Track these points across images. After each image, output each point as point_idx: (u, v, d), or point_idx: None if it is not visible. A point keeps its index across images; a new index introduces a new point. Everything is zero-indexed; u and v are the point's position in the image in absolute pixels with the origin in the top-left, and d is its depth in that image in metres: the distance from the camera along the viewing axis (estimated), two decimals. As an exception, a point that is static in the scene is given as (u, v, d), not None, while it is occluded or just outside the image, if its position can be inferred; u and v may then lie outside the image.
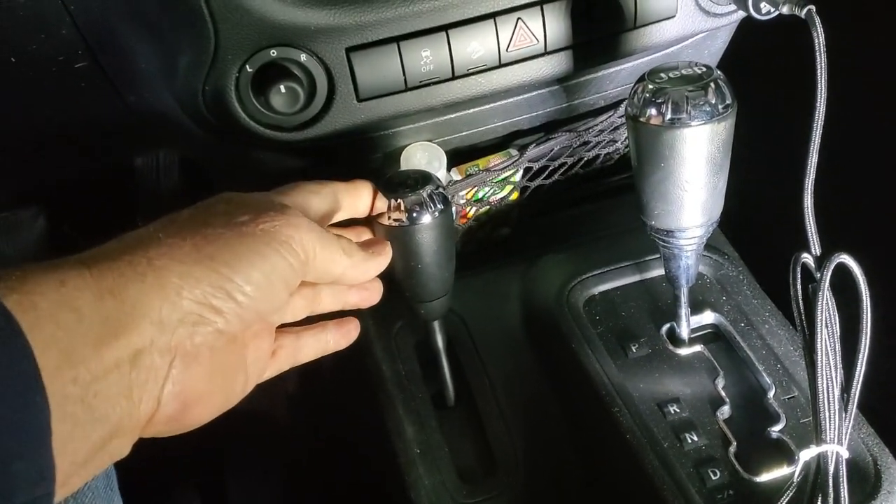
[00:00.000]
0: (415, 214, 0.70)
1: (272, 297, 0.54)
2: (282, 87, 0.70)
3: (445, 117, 0.85)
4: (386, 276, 0.72)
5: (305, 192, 0.63)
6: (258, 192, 0.60)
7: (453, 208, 0.91)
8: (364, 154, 0.86)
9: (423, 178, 0.72)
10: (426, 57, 0.73)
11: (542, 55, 0.77)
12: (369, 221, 0.72)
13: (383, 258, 0.67)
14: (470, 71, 0.75)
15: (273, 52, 0.69)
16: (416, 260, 0.73)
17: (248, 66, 0.69)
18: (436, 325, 0.83)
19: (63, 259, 0.48)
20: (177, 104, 0.76)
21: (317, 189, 0.64)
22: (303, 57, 0.70)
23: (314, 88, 0.72)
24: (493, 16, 0.73)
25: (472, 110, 0.85)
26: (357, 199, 0.69)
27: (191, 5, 0.65)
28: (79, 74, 0.76)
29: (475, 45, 0.74)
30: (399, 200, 0.70)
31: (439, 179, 0.74)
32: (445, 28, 0.72)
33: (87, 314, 0.45)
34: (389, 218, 0.71)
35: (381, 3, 0.69)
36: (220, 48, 0.68)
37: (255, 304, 0.53)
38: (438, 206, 0.71)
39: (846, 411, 0.68)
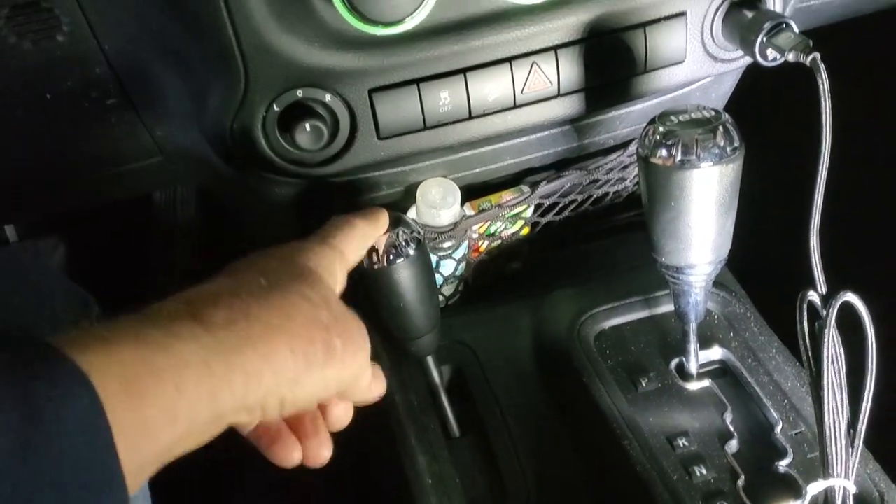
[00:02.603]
0: (390, 257, 0.76)
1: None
2: (307, 126, 0.72)
3: (461, 155, 0.87)
4: (373, 318, 0.76)
5: (347, 239, 0.68)
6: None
7: (466, 243, 0.94)
8: (381, 189, 0.88)
9: (395, 221, 0.77)
10: (444, 98, 0.76)
11: (555, 97, 0.80)
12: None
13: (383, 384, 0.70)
14: (486, 112, 0.78)
15: (299, 93, 0.72)
16: (397, 299, 0.78)
17: (275, 105, 0.72)
18: (429, 360, 0.86)
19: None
20: (204, 140, 0.78)
21: (350, 232, 0.69)
22: (327, 97, 0.73)
23: (337, 127, 0.75)
24: (509, 60, 0.76)
25: (486, 148, 0.88)
26: (379, 227, 0.74)
27: (223, 47, 0.67)
28: (110, 110, 0.79)
29: (491, 88, 0.77)
30: (374, 245, 0.76)
31: (413, 221, 0.79)
32: (464, 71, 0.75)
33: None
34: (366, 262, 0.75)
35: (404, 47, 0.72)
36: (249, 88, 0.70)
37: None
38: (412, 245, 0.76)
39: (853, 446, 0.70)
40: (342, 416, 0.66)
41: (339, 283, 0.65)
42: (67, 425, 0.39)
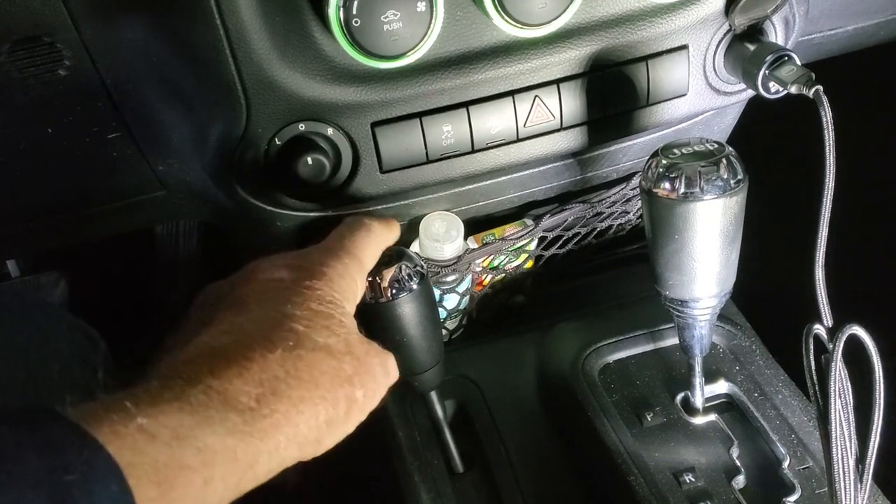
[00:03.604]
0: (394, 291, 0.75)
1: None
2: (309, 159, 0.72)
3: (464, 188, 0.87)
4: None
5: (363, 244, 0.69)
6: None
7: (470, 276, 0.94)
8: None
9: (398, 255, 0.77)
10: (447, 132, 0.76)
11: (558, 130, 0.80)
12: None
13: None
14: (489, 145, 0.78)
15: (301, 126, 0.72)
16: (400, 334, 0.77)
17: (277, 139, 0.72)
18: (433, 395, 0.85)
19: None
20: (206, 174, 0.78)
21: (367, 238, 0.70)
22: (329, 131, 0.73)
23: (339, 160, 0.75)
24: (511, 93, 0.76)
25: (489, 182, 0.88)
26: (394, 233, 0.75)
27: (225, 82, 0.68)
28: (111, 144, 0.79)
29: (494, 121, 0.77)
30: (376, 279, 0.74)
31: (416, 254, 0.78)
32: (466, 105, 0.75)
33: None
34: (370, 296, 0.74)
35: (406, 81, 0.72)
36: (251, 122, 0.70)
37: None
38: (415, 279, 0.75)
39: (862, 481, 0.69)
40: None
41: (360, 293, 0.66)
42: None
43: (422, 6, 0.65)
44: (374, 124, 0.74)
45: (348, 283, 0.64)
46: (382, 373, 0.62)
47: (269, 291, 0.60)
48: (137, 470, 0.42)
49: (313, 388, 0.55)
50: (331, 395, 0.56)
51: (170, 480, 0.44)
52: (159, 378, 0.50)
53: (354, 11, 0.63)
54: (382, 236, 0.72)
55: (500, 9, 0.67)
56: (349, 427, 0.58)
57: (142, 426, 0.44)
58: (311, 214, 0.82)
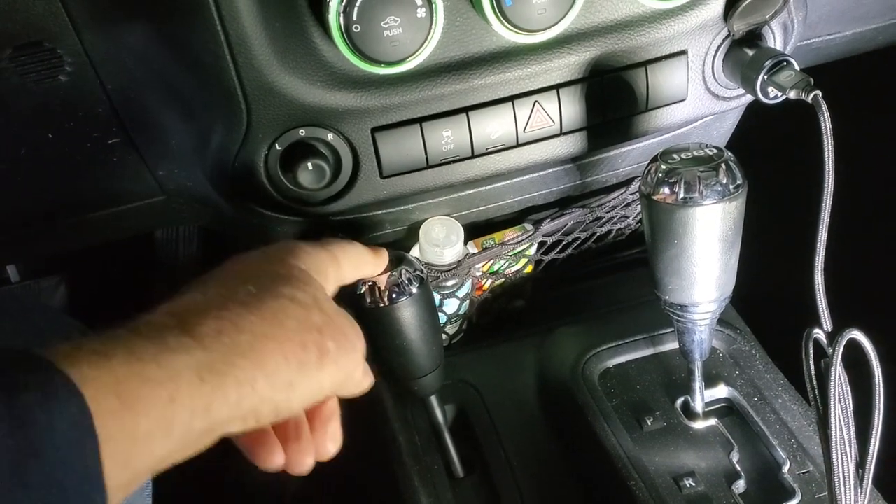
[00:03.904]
0: (393, 295, 0.75)
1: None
2: (309, 165, 0.72)
3: (464, 193, 0.87)
4: (376, 357, 0.77)
5: (343, 250, 0.68)
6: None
7: (470, 281, 0.94)
8: (384, 227, 0.88)
9: (398, 259, 0.77)
10: (447, 137, 0.76)
11: (557, 136, 0.80)
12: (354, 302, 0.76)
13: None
14: (489, 150, 0.78)
15: (302, 132, 0.72)
16: (400, 339, 0.77)
17: (277, 144, 0.72)
18: (433, 400, 0.85)
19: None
20: (206, 179, 0.78)
21: (346, 246, 0.69)
22: (330, 136, 0.73)
23: (339, 166, 0.75)
24: (511, 99, 0.76)
25: (489, 187, 0.88)
26: (380, 260, 0.74)
27: (226, 87, 0.68)
28: (111, 150, 0.79)
29: (494, 126, 0.77)
30: (376, 283, 0.75)
31: (416, 259, 0.78)
32: (466, 110, 0.75)
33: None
34: (369, 301, 0.74)
35: (406, 86, 0.72)
36: (251, 127, 0.71)
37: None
38: (415, 284, 0.75)
39: (862, 486, 0.69)
40: (329, 411, 0.65)
41: (330, 284, 0.64)
42: (56, 437, 0.39)
43: (422, 12, 0.65)
44: (375, 129, 0.74)
45: (317, 261, 0.63)
46: (355, 334, 0.60)
47: (239, 265, 0.60)
48: (95, 383, 0.42)
49: (278, 328, 0.54)
50: (298, 338, 0.54)
51: (132, 391, 0.43)
52: (116, 325, 0.49)
53: (355, 17, 0.64)
54: (366, 256, 0.71)
55: (499, 15, 0.68)
56: (324, 378, 0.56)
57: (95, 349, 0.44)
58: (312, 219, 0.82)
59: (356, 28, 0.64)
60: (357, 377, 0.63)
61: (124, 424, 0.43)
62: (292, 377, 0.53)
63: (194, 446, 0.49)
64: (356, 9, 0.63)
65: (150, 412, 0.44)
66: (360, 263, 0.72)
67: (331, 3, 0.63)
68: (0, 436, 0.37)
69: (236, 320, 0.52)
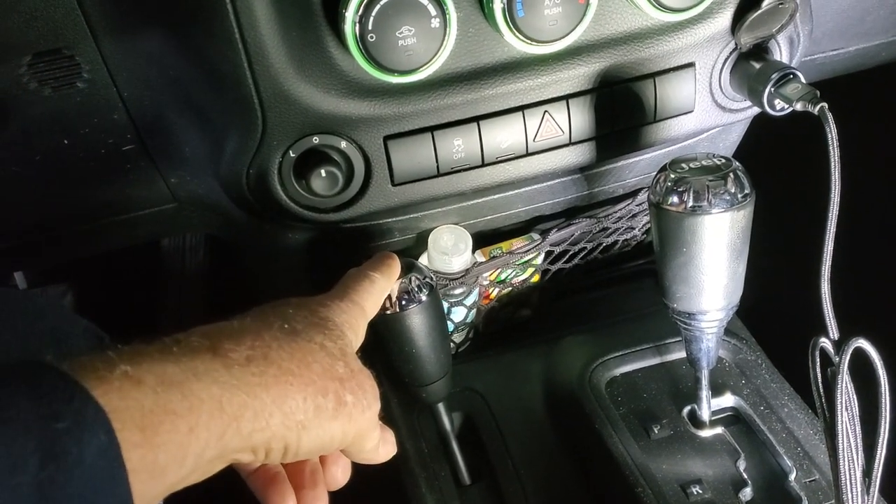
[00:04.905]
0: (403, 302, 0.76)
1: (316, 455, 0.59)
2: (322, 172, 0.73)
3: (473, 202, 0.88)
4: (385, 363, 0.78)
5: (367, 294, 0.68)
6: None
7: (477, 290, 0.94)
8: (394, 235, 0.89)
9: (408, 267, 0.77)
10: (458, 145, 0.77)
11: (566, 145, 0.81)
12: None
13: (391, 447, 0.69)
14: (499, 159, 0.79)
15: (315, 139, 0.73)
16: (409, 345, 0.78)
17: (291, 152, 0.73)
18: (441, 407, 0.85)
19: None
20: (219, 186, 0.79)
21: (370, 288, 0.69)
22: (343, 144, 0.74)
23: (352, 173, 0.76)
24: (521, 109, 0.78)
25: (498, 196, 0.89)
26: (393, 278, 0.74)
27: (242, 95, 0.69)
28: (125, 157, 0.80)
29: (504, 136, 0.78)
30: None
31: (425, 267, 0.79)
32: (477, 119, 0.77)
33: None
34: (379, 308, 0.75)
35: (419, 95, 0.73)
36: (266, 134, 0.72)
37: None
38: (425, 291, 0.76)
39: (868, 494, 0.69)
40: (340, 474, 0.66)
41: (360, 338, 0.65)
42: (86, 467, 0.40)
43: (436, 22, 0.66)
44: (387, 138, 0.75)
45: (350, 319, 0.64)
46: (372, 394, 0.61)
47: (272, 311, 0.60)
48: (122, 415, 0.43)
49: (304, 370, 0.55)
50: (321, 383, 0.55)
51: (154, 426, 0.44)
52: (148, 340, 0.50)
53: (370, 27, 0.65)
54: (384, 285, 0.72)
55: (511, 26, 0.69)
56: (335, 427, 0.56)
57: (126, 372, 0.45)
58: (323, 226, 0.83)
59: (371, 37, 0.65)
60: (369, 443, 0.62)
61: (145, 457, 0.44)
62: (307, 419, 0.54)
63: (203, 473, 0.49)
64: (371, 19, 0.64)
65: (169, 446, 0.45)
66: (381, 299, 0.72)
67: (346, 13, 0.64)
68: (32, 463, 0.38)
69: (266, 352, 0.53)
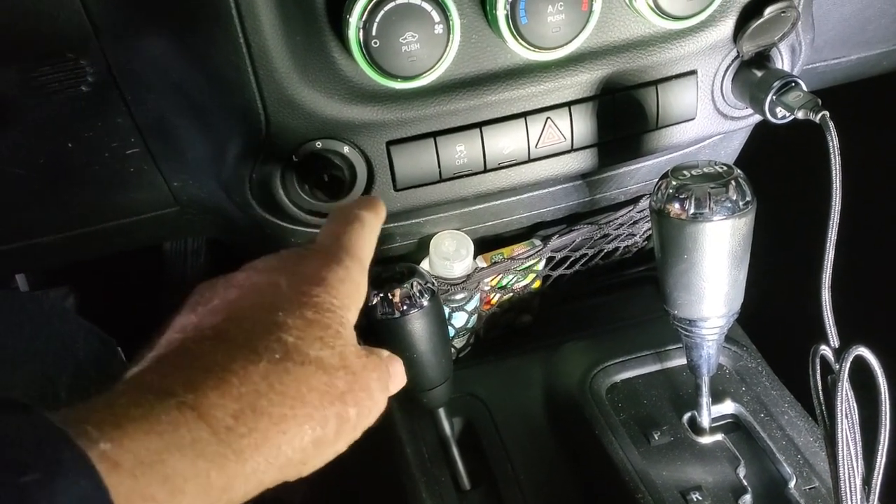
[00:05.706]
0: (405, 307, 0.76)
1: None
2: (325, 177, 0.74)
3: (474, 207, 0.89)
4: None
5: (361, 241, 0.62)
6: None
7: (479, 295, 0.95)
8: (395, 240, 0.89)
9: (410, 272, 0.77)
10: (460, 151, 0.77)
11: (568, 152, 0.81)
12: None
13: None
14: (501, 165, 0.79)
15: (318, 144, 0.73)
16: (410, 350, 0.78)
17: (294, 156, 0.74)
18: (441, 413, 0.85)
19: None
20: (222, 190, 0.79)
21: (361, 232, 0.62)
22: (345, 149, 0.74)
23: (354, 178, 0.76)
24: (524, 115, 0.78)
25: (499, 202, 0.89)
26: (382, 216, 0.67)
27: (246, 99, 0.69)
28: (128, 160, 0.80)
29: (506, 142, 0.78)
30: (388, 295, 0.75)
31: (426, 272, 0.79)
32: (479, 125, 0.77)
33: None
34: (381, 312, 0.75)
35: (422, 101, 0.73)
36: (269, 139, 0.72)
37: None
38: (426, 296, 0.76)
39: (868, 502, 0.69)
40: None
41: (362, 297, 0.60)
42: None
43: (439, 28, 0.67)
44: (390, 143, 0.75)
45: (350, 288, 0.58)
46: (380, 388, 0.57)
47: (263, 296, 0.55)
48: (115, 490, 0.40)
49: (299, 406, 0.50)
50: (319, 414, 0.51)
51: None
52: (130, 390, 0.46)
53: (374, 33, 0.65)
54: (375, 226, 0.65)
55: (514, 32, 0.69)
56: (339, 447, 0.53)
57: (104, 453, 0.41)
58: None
59: (375, 43, 0.65)
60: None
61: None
62: (307, 456, 0.51)
63: None
64: (375, 24, 0.64)
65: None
66: (374, 242, 0.65)
67: (350, 19, 0.64)
68: None
69: (255, 402, 0.48)
